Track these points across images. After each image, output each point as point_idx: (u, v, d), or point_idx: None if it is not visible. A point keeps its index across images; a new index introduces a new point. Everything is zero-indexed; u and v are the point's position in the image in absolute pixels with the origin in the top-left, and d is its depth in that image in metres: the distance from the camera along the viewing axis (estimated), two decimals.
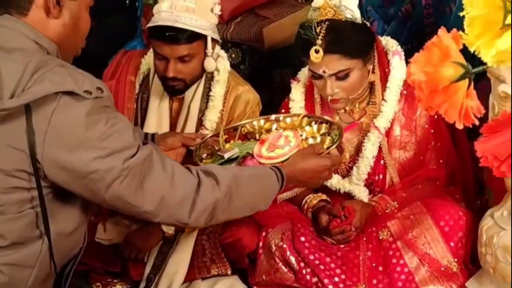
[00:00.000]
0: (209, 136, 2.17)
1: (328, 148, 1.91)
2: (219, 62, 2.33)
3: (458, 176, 2.32)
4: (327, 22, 2.11)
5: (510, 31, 0.85)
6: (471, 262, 2.15)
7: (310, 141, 1.97)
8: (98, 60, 2.61)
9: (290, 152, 1.89)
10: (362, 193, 2.26)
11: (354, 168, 2.27)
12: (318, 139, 1.99)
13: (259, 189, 1.78)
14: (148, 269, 2.29)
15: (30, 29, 1.61)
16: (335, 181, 2.28)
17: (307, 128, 2.03)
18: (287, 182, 1.78)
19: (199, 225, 1.91)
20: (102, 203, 1.65)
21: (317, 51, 2.07)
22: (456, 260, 2.11)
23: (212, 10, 2.22)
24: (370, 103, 2.29)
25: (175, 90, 2.27)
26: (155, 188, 1.61)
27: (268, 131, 2.09)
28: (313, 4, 2.25)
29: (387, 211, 2.23)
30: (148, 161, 1.58)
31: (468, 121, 0.96)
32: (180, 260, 2.27)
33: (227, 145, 2.08)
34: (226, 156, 1.97)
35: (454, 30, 0.97)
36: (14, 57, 1.55)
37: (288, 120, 2.10)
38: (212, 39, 2.22)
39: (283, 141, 1.95)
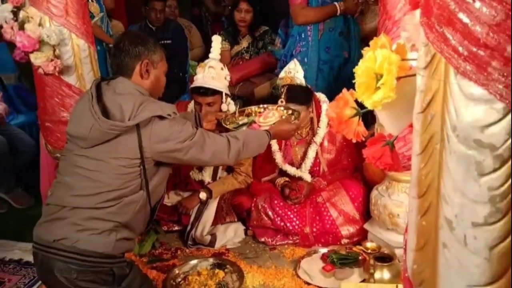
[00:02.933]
0: (229, 114, 2.61)
1: (294, 119, 2.44)
2: (229, 105, 2.80)
3: (359, 166, 2.95)
4: (286, 86, 2.80)
5: (379, 91, 0.97)
6: (366, 214, 2.77)
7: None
8: None
9: (275, 120, 2.41)
10: (307, 177, 2.92)
11: (303, 164, 2.92)
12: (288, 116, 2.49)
13: (258, 140, 2.27)
14: (191, 218, 2.86)
15: (133, 84, 2.05)
16: (293, 171, 2.94)
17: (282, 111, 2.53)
18: (272, 137, 2.33)
19: (233, 162, 2.25)
20: (181, 162, 2.14)
21: (281, 101, 2.69)
22: (358, 213, 2.79)
23: (225, 78, 2.76)
24: (310, 128, 2.89)
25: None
26: (208, 148, 2.07)
27: (260, 113, 2.55)
28: (279, 76, 2.92)
29: (321, 186, 2.88)
30: (201, 137, 2.05)
31: (359, 138, 1.12)
32: (209, 214, 2.86)
33: (239, 118, 2.59)
34: (240, 123, 2.51)
35: (351, 90, 1.11)
36: (127, 98, 1.97)
37: (270, 107, 2.59)
38: (226, 94, 2.76)
39: (271, 114, 2.46)
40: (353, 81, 1.07)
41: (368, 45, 1.11)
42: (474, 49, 0.79)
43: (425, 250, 0.95)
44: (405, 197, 2.48)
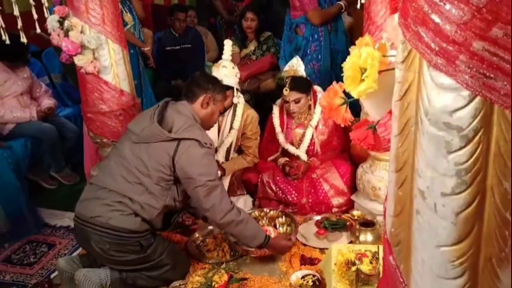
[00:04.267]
0: None
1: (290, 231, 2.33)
2: (239, 98, 2.82)
3: (346, 147, 2.96)
4: (290, 77, 2.77)
5: (364, 82, 0.96)
6: (353, 187, 2.78)
7: (281, 229, 2.39)
8: None
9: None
10: (303, 156, 2.90)
11: (301, 144, 2.90)
12: (285, 229, 2.40)
13: (255, 232, 2.07)
14: None
15: (192, 110, 2.07)
16: (293, 150, 2.91)
17: (280, 219, 2.46)
18: (269, 246, 2.10)
19: (219, 226, 2.03)
20: (187, 191, 2.00)
21: (286, 90, 2.73)
22: (346, 186, 2.80)
23: (236, 76, 2.77)
24: (308, 114, 2.88)
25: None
26: (213, 198, 1.94)
27: (262, 217, 2.48)
28: (284, 69, 2.90)
29: (315, 165, 2.86)
30: (217, 186, 1.95)
31: (346, 123, 1.11)
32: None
33: None
34: None
35: (340, 82, 1.10)
36: (182, 118, 2.01)
37: (271, 212, 2.54)
38: (236, 89, 2.77)
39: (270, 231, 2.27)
40: (341, 75, 1.05)
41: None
42: (444, 45, 0.76)
43: (401, 216, 0.93)
44: (386, 173, 2.50)
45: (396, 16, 1.09)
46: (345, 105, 1.12)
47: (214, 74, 2.74)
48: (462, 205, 0.80)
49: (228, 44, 2.81)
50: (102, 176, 2.02)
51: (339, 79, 3.56)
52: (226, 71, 2.73)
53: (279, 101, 2.98)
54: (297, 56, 2.92)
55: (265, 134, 3.06)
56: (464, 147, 0.77)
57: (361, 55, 1.00)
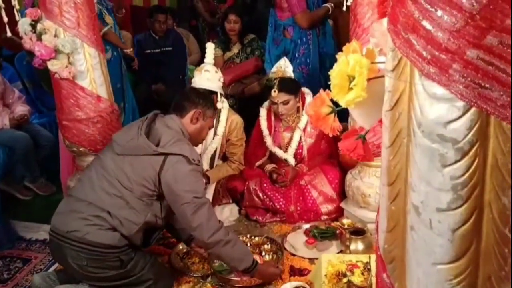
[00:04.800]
0: None
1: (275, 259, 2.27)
2: (223, 103, 2.77)
3: (334, 153, 2.91)
4: (278, 78, 2.75)
5: (352, 91, 0.93)
6: (342, 194, 2.74)
7: (267, 257, 2.32)
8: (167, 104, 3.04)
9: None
10: (291, 159, 2.87)
11: (289, 147, 2.86)
12: (271, 256, 2.33)
13: (243, 254, 2.01)
14: None
15: (181, 124, 2.04)
16: (280, 153, 2.88)
17: (266, 246, 2.41)
18: (255, 271, 2.02)
19: (207, 245, 1.95)
20: (173, 209, 1.94)
21: (274, 91, 2.72)
22: (335, 193, 2.76)
23: (219, 80, 2.72)
24: (296, 116, 2.86)
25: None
26: (200, 217, 1.89)
27: (246, 243, 2.38)
28: (272, 70, 2.88)
29: (304, 170, 2.84)
30: (204, 204, 1.90)
31: (334, 133, 1.09)
32: (207, 196, 2.40)
33: None
34: (225, 266, 2.17)
35: (327, 90, 1.07)
36: (170, 132, 1.97)
37: (256, 238, 2.48)
38: (220, 94, 2.72)
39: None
40: (328, 83, 1.02)
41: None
42: (437, 53, 0.74)
43: (394, 232, 0.90)
44: (375, 180, 2.48)
45: (384, 21, 1.07)
46: (333, 114, 1.09)
47: (196, 78, 2.72)
48: (459, 221, 0.78)
49: (210, 47, 2.77)
50: (81, 188, 1.99)
51: (328, 82, 3.55)
52: (209, 75, 2.69)
53: (266, 103, 2.98)
54: (285, 57, 2.91)
55: (251, 138, 3.04)
56: (459, 160, 0.76)
57: (348, 63, 0.98)
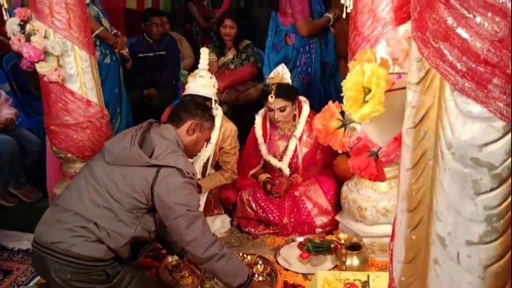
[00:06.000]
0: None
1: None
2: (217, 110, 2.68)
3: (330, 163, 2.85)
4: (276, 84, 2.67)
5: (367, 104, 0.85)
6: (338, 206, 2.64)
7: (260, 278, 2.22)
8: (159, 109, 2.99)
9: None
10: (286, 169, 2.80)
11: (284, 156, 2.79)
12: (265, 278, 2.23)
13: (237, 269, 1.92)
14: None
15: (177, 135, 1.95)
16: (275, 162, 2.80)
17: (259, 266, 2.28)
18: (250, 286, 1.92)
19: (202, 261, 1.85)
20: (166, 223, 1.85)
21: (271, 97, 2.63)
22: (330, 205, 2.66)
23: (214, 86, 2.66)
24: (292, 125, 2.79)
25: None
26: (194, 231, 1.80)
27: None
28: (270, 75, 2.80)
29: (298, 181, 2.76)
30: (198, 217, 1.82)
31: (344, 149, 1.00)
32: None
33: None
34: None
35: (336, 102, 1.00)
36: (165, 142, 1.89)
37: (249, 257, 2.36)
38: (214, 100, 2.63)
39: None
40: (341, 95, 0.92)
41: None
42: (474, 66, 0.64)
43: (414, 264, 0.80)
44: (372, 193, 2.40)
45: (401, 28, 0.98)
46: (342, 129, 0.99)
47: (191, 84, 2.63)
48: (492, 257, 0.68)
49: (205, 52, 2.68)
50: (68, 197, 1.88)
51: (328, 92, 3.42)
52: (203, 81, 2.61)
53: (262, 111, 2.90)
54: (283, 64, 2.83)
55: (246, 146, 2.95)
56: (496, 188, 0.66)
57: (364, 73, 0.87)
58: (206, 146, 2.66)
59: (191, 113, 2.02)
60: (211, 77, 2.65)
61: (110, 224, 1.80)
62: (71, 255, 1.76)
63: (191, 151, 2.08)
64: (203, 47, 2.77)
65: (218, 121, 2.71)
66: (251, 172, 2.91)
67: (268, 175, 2.84)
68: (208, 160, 2.74)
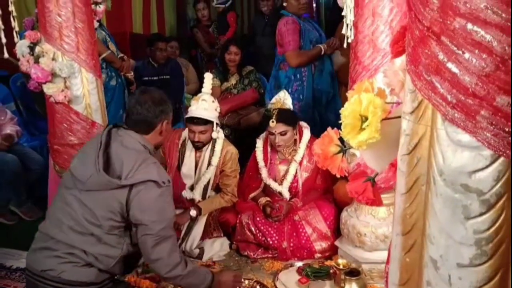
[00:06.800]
0: None
1: None
2: (219, 133, 2.70)
3: (330, 188, 2.85)
4: (278, 109, 2.71)
5: (364, 131, 0.89)
6: (337, 231, 2.62)
7: None
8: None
9: None
10: (286, 193, 2.79)
11: (284, 180, 2.79)
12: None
13: (199, 281, 1.89)
14: (182, 233, 2.69)
15: (143, 140, 1.82)
16: (275, 186, 2.80)
17: None
18: (214, 283, 1.93)
19: (163, 279, 1.87)
20: (136, 235, 1.78)
21: (273, 121, 2.67)
22: (330, 230, 2.64)
23: (216, 110, 2.67)
24: (293, 150, 2.81)
25: (198, 147, 2.69)
26: (161, 250, 1.75)
27: None
28: (272, 101, 2.85)
29: (298, 205, 2.74)
30: (169, 237, 1.75)
31: (342, 174, 1.05)
32: (198, 229, 2.70)
33: None
34: None
35: (335, 129, 1.05)
36: (131, 154, 1.76)
37: (246, 282, 2.32)
38: (216, 123, 2.65)
39: None
40: (339, 122, 0.97)
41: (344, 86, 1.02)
42: (463, 98, 0.69)
43: (408, 286, 0.83)
44: (371, 218, 2.40)
45: (397, 60, 1.03)
46: (341, 154, 1.03)
47: (193, 107, 2.66)
48: (482, 279, 0.71)
49: (208, 77, 2.71)
50: (49, 225, 1.82)
51: (325, 119, 3.45)
52: (206, 105, 2.64)
53: (263, 135, 2.92)
54: (285, 90, 2.91)
55: (246, 170, 2.94)
56: (485, 213, 0.70)
57: (361, 102, 0.92)
58: (207, 169, 2.72)
59: (157, 115, 1.86)
60: (213, 101, 2.69)
61: (96, 249, 1.75)
62: (62, 282, 1.73)
63: (160, 143, 2.02)
64: (207, 72, 2.84)
65: (219, 144, 2.75)
66: (251, 195, 2.92)
67: (268, 199, 2.84)
68: (208, 182, 2.76)
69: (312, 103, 3.29)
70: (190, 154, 2.78)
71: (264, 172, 2.87)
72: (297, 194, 2.85)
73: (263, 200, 2.83)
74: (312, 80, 3.29)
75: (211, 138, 2.70)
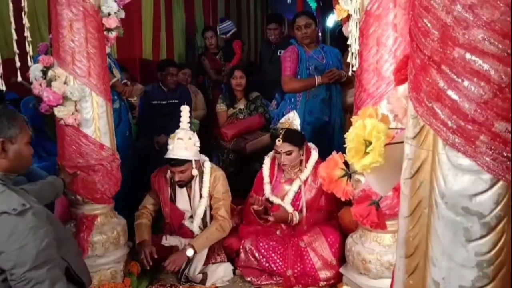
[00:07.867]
0: None
1: None
2: (205, 162, 2.78)
3: (334, 209, 2.87)
4: (285, 129, 2.82)
5: (368, 155, 0.91)
6: (342, 258, 2.59)
7: None
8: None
9: None
10: (289, 208, 2.86)
11: (286, 196, 2.87)
12: None
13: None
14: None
15: None
16: (277, 201, 2.87)
17: None
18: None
19: None
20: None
21: (279, 141, 2.79)
22: (335, 258, 2.66)
23: (195, 145, 2.67)
24: (299, 170, 2.88)
25: (181, 185, 2.74)
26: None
27: None
28: (281, 120, 2.97)
29: (301, 223, 2.79)
30: (41, 283, 1.41)
31: (347, 197, 1.07)
32: (201, 256, 2.72)
33: None
34: None
35: (340, 153, 1.07)
36: None
37: None
38: (195, 160, 2.66)
39: None
40: (344, 146, 1.00)
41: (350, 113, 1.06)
42: (463, 124, 0.72)
43: None
44: (376, 245, 2.39)
45: (400, 88, 1.07)
46: (345, 178, 1.06)
47: (170, 147, 2.69)
48: None
49: (185, 110, 2.72)
50: None
51: (321, 146, 3.35)
52: (182, 143, 2.64)
53: (271, 153, 3.01)
54: (294, 111, 3.02)
55: (253, 189, 3.00)
56: (485, 235, 0.71)
57: (365, 127, 0.96)
58: (200, 201, 2.76)
59: None
60: (190, 138, 2.67)
61: None
62: None
63: (21, 165, 1.72)
64: (183, 105, 2.80)
65: (207, 174, 2.78)
66: (254, 207, 2.90)
67: (262, 207, 2.88)
68: (205, 214, 2.80)
69: (302, 127, 3.29)
70: (181, 190, 2.82)
71: (267, 188, 2.94)
72: (300, 212, 2.87)
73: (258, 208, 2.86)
74: (304, 106, 3.41)
75: (192, 176, 2.71)
